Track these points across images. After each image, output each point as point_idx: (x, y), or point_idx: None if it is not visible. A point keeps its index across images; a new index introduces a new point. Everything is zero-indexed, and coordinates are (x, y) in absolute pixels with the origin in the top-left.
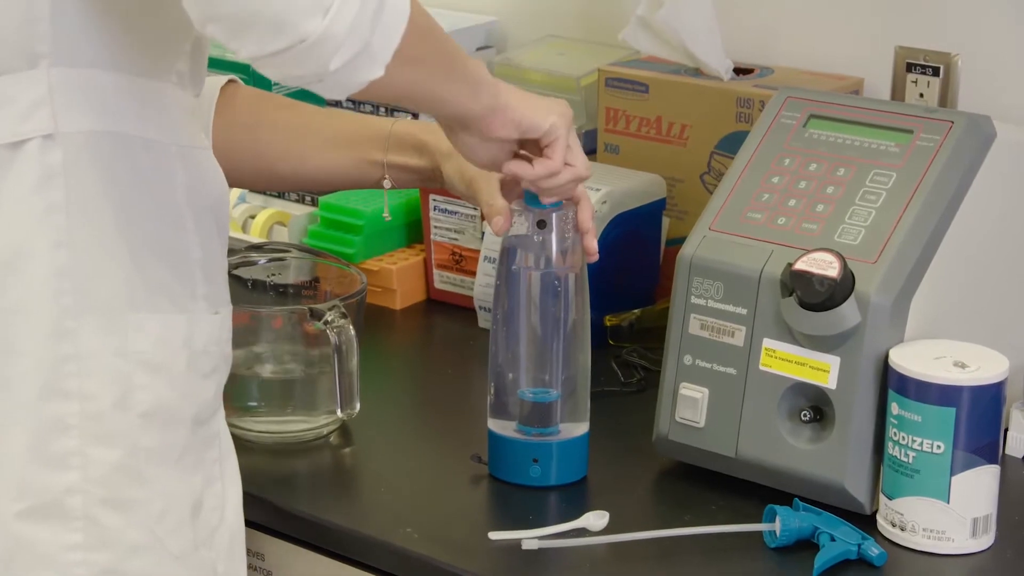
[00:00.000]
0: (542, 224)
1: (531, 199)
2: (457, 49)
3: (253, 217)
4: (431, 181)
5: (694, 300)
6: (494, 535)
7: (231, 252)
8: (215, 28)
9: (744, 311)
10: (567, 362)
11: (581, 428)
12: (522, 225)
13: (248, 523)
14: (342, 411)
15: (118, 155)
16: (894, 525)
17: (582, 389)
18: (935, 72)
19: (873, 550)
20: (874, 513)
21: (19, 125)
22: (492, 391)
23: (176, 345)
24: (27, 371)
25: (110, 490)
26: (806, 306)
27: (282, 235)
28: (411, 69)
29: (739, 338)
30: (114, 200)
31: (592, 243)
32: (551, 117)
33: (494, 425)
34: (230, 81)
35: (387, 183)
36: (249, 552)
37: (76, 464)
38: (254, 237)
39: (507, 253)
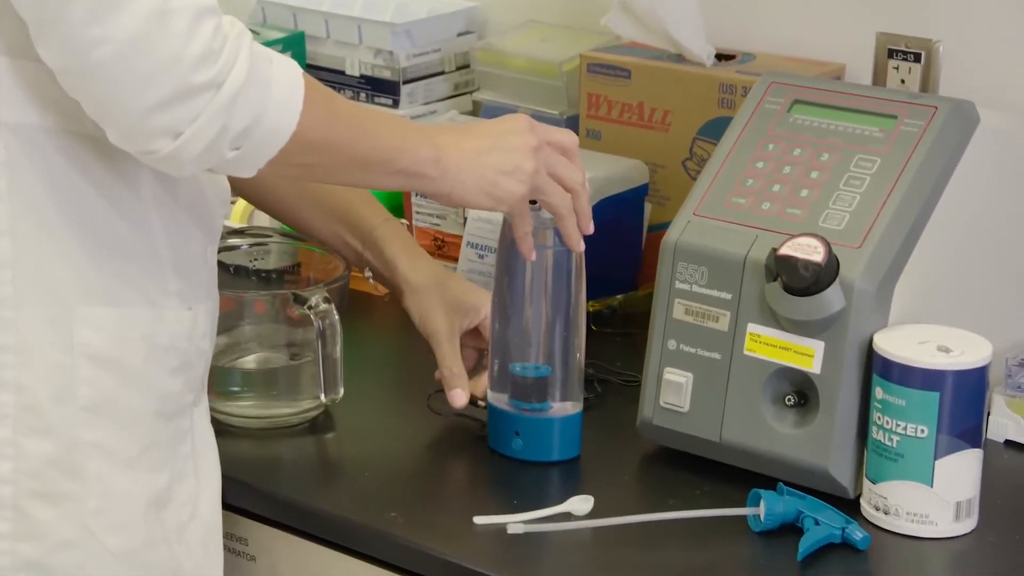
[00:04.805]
0: (535, 202)
1: None
2: (376, 136)
3: (233, 202)
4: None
5: (678, 285)
6: (479, 519)
7: None
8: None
9: (728, 296)
10: (561, 340)
11: (572, 408)
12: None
13: (232, 508)
14: (326, 396)
15: (68, 152)
16: (878, 509)
17: (574, 369)
18: (916, 58)
19: (857, 534)
20: (858, 497)
21: None
22: (495, 364)
23: (132, 339)
24: None
25: (42, 483)
26: (791, 291)
27: (263, 220)
28: (295, 170)
29: (723, 323)
30: (63, 195)
31: (586, 227)
32: (501, 204)
33: (492, 395)
34: None
35: (368, 275)
36: (232, 537)
37: (9, 454)
38: (234, 222)
39: (509, 226)
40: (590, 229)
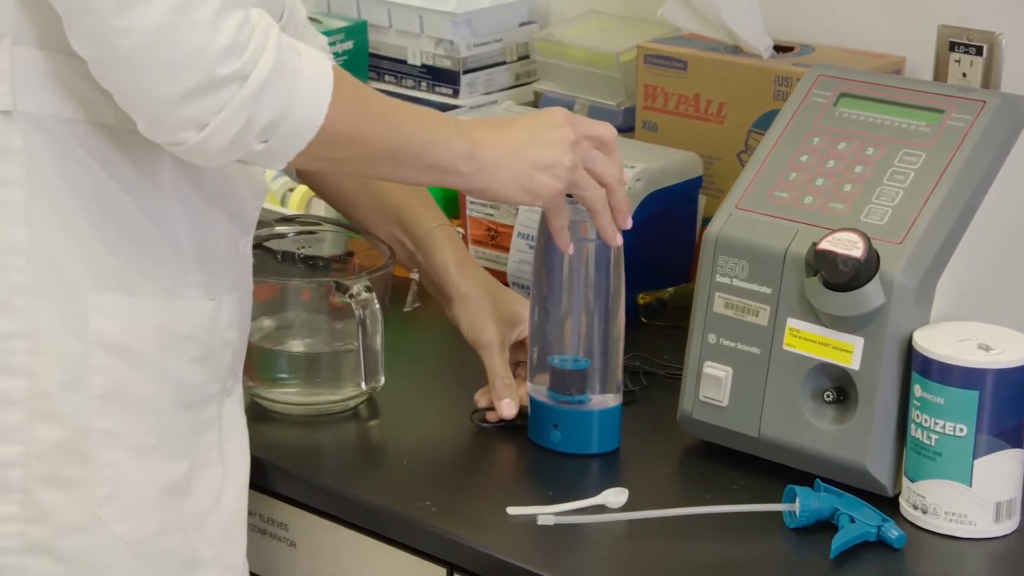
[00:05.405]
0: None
1: None
2: (407, 130)
3: (292, 190)
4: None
5: (719, 279)
6: (512, 510)
7: (261, 224)
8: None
9: (769, 290)
10: (600, 333)
11: (612, 401)
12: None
13: (273, 494)
14: (366, 384)
15: (86, 142)
16: (916, 508)
17: (614, 362)
18: (978, 52)
19: (892, 532)
20: (896, 495)
21: None
22: (534, 354)
23: (147, 329)
24: None
25: (50, 467)
26: (830, 286)
27: (319, 208)
28: (325, 163)
29: (763, 317)
30: (80, 184)
31: (622, 222)
32: (537, 199)
33: (531, 387)
34: None
35: (415, 275)
36: (273, 523)
37: (19, 439)
38: (292, 210)
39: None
40: (627, 224)
